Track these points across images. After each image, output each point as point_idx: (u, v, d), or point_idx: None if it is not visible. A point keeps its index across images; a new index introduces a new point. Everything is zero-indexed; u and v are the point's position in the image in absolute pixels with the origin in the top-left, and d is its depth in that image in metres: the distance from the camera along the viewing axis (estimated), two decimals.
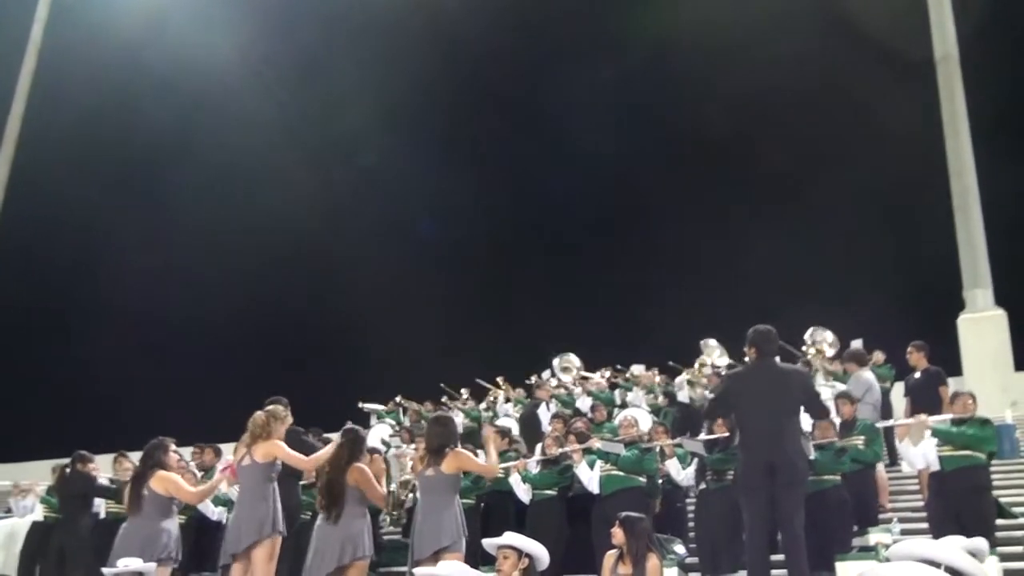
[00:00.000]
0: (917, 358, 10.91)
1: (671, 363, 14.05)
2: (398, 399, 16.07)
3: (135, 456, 8.64)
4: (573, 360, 15.25)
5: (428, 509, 6.90)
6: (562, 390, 14.14)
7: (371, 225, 27.05)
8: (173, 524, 7.49)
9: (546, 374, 14.82)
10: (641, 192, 26.01)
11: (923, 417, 8.04)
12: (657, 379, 14.05)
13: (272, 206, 26.03)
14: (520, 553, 5.60)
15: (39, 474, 13.49)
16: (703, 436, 8.92)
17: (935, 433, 7.81)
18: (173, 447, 7.88)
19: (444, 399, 15.92)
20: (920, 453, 7.94)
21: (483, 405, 15.93)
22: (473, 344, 22.93)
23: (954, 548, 3.08)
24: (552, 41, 28.02)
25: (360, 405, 15.97)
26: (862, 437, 8.83)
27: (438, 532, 6.75)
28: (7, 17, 21.72)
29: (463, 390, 16.15)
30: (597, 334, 22.38)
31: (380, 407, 15.94)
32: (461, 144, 27.24)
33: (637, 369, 14.24)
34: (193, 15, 24.51)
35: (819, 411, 7.57)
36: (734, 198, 24.27)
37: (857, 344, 12.11)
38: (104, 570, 6.35)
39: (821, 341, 12.49)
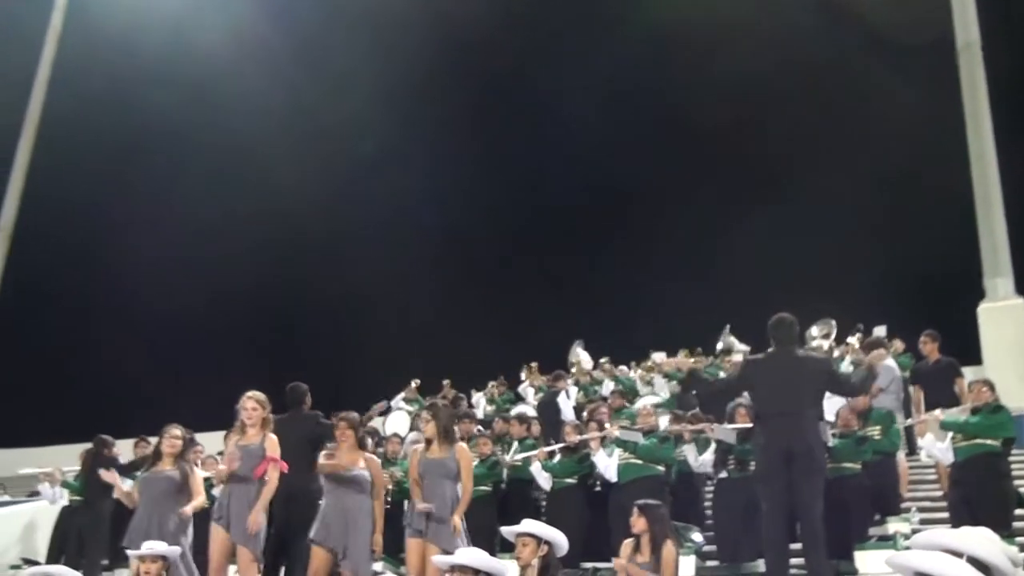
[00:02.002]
0: (930, 348, 10.88)
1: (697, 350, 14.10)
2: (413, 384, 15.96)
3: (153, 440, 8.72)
4: (581, 356, 15.34)
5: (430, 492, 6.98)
6: (587, 377, 14.17)
7: (372, 211, 27.10)
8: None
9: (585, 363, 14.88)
10: (645, 180, 25.93)
11: (937, 413, 8.03)
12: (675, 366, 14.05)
13: (272, 193, 26.12)
14: (539, 540, 5.63)
15: (59, 458, 13.63)
16: (729, 425, 8.89)
17: (943, 426, 7.81)
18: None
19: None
20: (945, 447, 7.90)
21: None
22: (473, 332, 22.98)
23: (978, 538, 3.08)
24: (552, 29, 27.93)
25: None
26: (878, 427, 8.78)
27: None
28: (27, 4, 21.82)
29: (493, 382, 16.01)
30: (597, 323, 22.40)
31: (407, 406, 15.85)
32: (460, 131, 27.17)
33: (658, 357, 14.22)
34: (196, 2, 24.54)
35: (850, 388, 7.48)
36: (747, 185, 24.20)
37: (880, 331, 12.07)
38: (129, 552, 6.43)
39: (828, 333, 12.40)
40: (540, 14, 27.46)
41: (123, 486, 8.03)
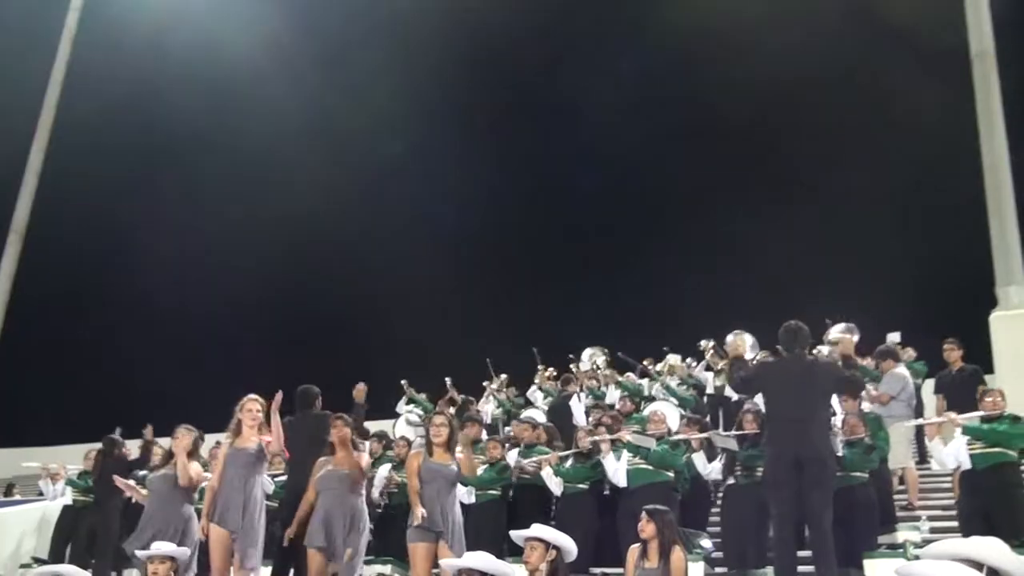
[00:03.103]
0: (955, 356, 10.83)
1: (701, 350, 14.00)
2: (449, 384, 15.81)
3: (163, 442, 8.75)
4: (601, 355, 15.26)
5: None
6: (593, 382, 14.13)
7: (395, 214, 27.12)
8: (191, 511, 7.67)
9: (583, 366, 14.77)
10: (666, 183, 25.89)
11: (952, 415, 7.99)
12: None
13: (290, 195, 26.14)
14: (548, 545, 5.61)
15: (66, 458, 13.69)
16: (733, 432, 8.89)
17: (966, 431, 7.75)
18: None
19: (486, 383, 15.74)
20: (951, 453, 7.87)
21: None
22: (494, 335, 22.92)
23: (992, 547, 3.06)
24: (574, 31, 27.91)
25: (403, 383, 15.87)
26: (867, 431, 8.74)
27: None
28: (43, 5, 21.94)
29: (503, 376, 15.84)
30: (617, 324, 22.37)
31: (422, 397, 15.77)
32: (483, 134, 27.20)
33: (673, 359, 14.21)
34: (216, 3, 24.60)
35: (852, 387, 7.47)
36: (761, 189, 24.14)
37: (894, 337, 12.03)
38: (138, 552, 6.44)
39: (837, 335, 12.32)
40: (563, 17, 27.45)
41: (141, 491, 8.09)
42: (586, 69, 27.18)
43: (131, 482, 8.51)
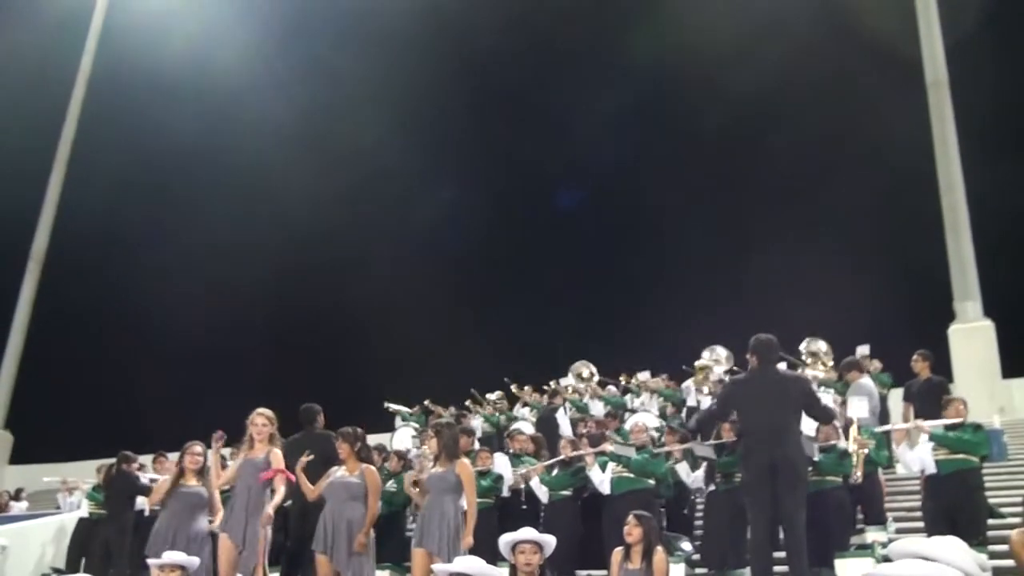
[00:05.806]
0: (922, 366, 10.87)
1: (684, 367, 13.95)
2: (426, 403, 15.89)
3: (174, 456, 8.69)
4: (585, 368, 15.22)
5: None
6: (576, 395, 14.09)
7: (386, 227, 27.08)
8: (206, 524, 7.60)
9: (564, 380, 14.73)
10: (647, 196, 25.96)
11: (919, 422, 8.03)
12: (664, 384, 13.99)
13: (288, 210, 26.08)
14: (540, 546, 5.58)
15: (86, 473, 13.59)
16: (711, 441, 8.90)
17: (933, 438, 7.80)
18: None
19: (468, 403, 15.80)
20: (916, 457, 7.91)
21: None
22: (484, 347, 22.88)
23: (951, 546, 3.06)
24: (561, 46, 28.00)
25: (386, 405, 15.87)
26: (872, 441, 8.75)
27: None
28: (60, 50, 21.96)
29: (489, 395, 15.90)
30: (606, 336, 22.36)
31: (405, 409, 15.83)
32: (474, 148, 27.19)
33: (644, 376, 14.20)
34: (208, 22, 24.56)
35: (823, 415, 7.49)
36: (737, 206, 24.22)
37: (863, 350, 12.05)
38: (149, 561, 6.37)
39: (816, 351, 12.37)
40: (553, 33, 27.49)
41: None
42: (573, 84, 27.25)
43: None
